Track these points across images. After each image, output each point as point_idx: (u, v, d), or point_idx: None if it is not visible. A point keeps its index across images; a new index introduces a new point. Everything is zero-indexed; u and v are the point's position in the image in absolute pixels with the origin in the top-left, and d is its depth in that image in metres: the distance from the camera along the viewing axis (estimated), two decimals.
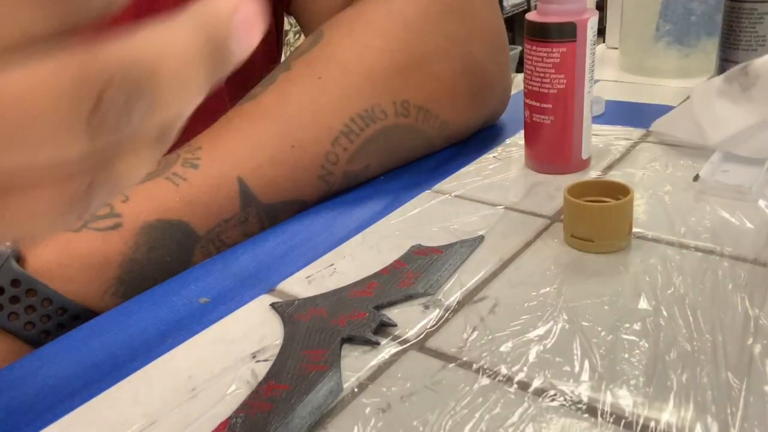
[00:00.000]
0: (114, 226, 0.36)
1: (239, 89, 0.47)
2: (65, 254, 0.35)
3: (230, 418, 0.26)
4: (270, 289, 0.36)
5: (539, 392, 0.26)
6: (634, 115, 0.58)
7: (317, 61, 0.45)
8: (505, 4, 3.04)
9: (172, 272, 0.38)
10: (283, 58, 0.64)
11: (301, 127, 0.42)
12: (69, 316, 0.35)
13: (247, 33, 0.18)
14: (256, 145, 0.41)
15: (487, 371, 0.28)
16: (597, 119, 0.56)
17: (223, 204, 0.39)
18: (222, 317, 0.33)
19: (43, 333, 0.34)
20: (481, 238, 0.38)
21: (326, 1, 0.51)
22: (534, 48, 0.44)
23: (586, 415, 0.25)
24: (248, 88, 0.45)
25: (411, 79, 0.46)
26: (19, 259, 0.34)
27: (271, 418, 0.26)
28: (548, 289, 0.33)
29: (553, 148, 0.46)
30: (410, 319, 0.32)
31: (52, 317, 0.34)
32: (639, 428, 0.24)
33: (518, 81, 0.57)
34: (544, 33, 0.43)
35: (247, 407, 0.27)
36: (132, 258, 0.36)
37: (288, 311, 0.33)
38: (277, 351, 0.30)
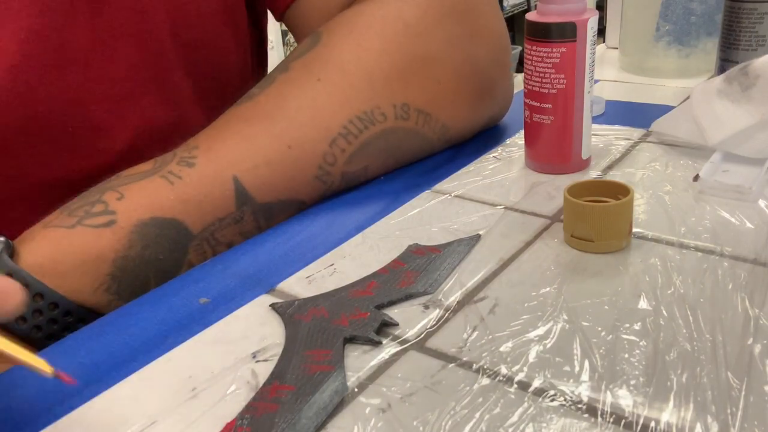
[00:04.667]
0: (108, 223, 0.36)
1: (213, 108, 0.46)
2: (59, 250, 0.35)
3: (236, 419, 0.26)
4: (270, 289, 0.36)
5: (539, 392, 0.26)
6: (634, 115, 0.58)
7: (316, 63, 0.45)
8: (505, 3, 3.04)
9: (166, 270, 0.38)
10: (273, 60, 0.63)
11: (298, 127, 0.42)
12: (61, 312, 0.35)
13: None
14: (252, 144, 0.41)
15: (487, 371, 0.28)
16: (597, 119, 0.56)
17: (217, 202, 0.39)
18: (222, 317, 0.33)
19: (34, 329, 0.34)
20: (478, 237, 0.38)
21: (321, 10, 0.50)
22: (534, 48, 0.44)
23: (586, 415, 0.25)
24: (222, 105, 0.45)
25: (411, 82, 0.46)
26: (13, 254, 0.34)
27: (277, 419, 0.26)
28: (548, 289, 0.33)
29: (553, 148, 0.46)
30: (410, 319, 0.32)
31: (44, 313, 0.34)
32: (639, 428, 0.24)
33: (518, 81, 0.57)
34: (544, 33, 0.43)
35: (253, 408, 0.27)
36: (125, 255, 0.36)
37: (288, 311, 0.33)
38: (277, 351, 0.30)
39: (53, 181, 0.45)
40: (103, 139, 0.45)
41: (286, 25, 0.54)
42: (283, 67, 0.46)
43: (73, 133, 0.44)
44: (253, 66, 0.57)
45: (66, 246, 0.35)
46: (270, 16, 0.57)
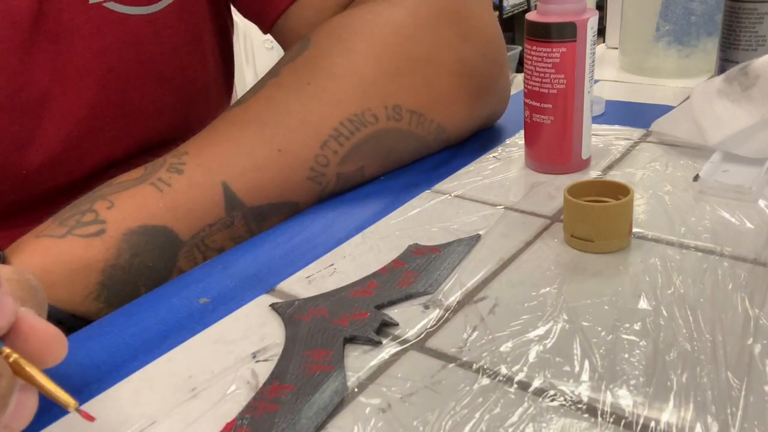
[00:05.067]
0: (98, 232, 0.36)
1: (183, 130, 0.46)
2: (49, 260, 0.35)
3: (236, 419, 0.26)
4: (270, 290, 0.36)
5: (539, 392, 0.26)
6: (634, 115, 0.58)
7: (305, 67, 0.45)
8: (505, 3, 3.04)
9: (156, 277, 0.38)
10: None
11: (288, 131, 0.42)
12: (52, 321, 0.35)
13: None
14: (242, 149, 0.41)
15: (487, 371, 0.28)
16: (597, 119, 0.56)
17: (207, 208, 0.39)
18: (222, 317, 0.33)
19: None
20: (478, 237, 0.38)
21: (311, 20, 0.49)
22: (534, 48, 0.44)
23: (586, 415, 0.25)
24: (192, 125, 0.45)
25: (402, 83, 0.46)
26: (4, 263, 0.34)
27: (277, 419, 0.26)
28: (548, 289, 0.33)
29: (553, 148, 0.46)
30: (410, 319, 0.32)
31: None
32: (639, 428, 0.24)
33: (518, 81, 0.57)
34: (544, 33, 0.43)
35: (253, 408, 0.27)
36: (115, 264, 0.36)
37: (288, 311, 0.33)
38: (277, 351, 0.30)
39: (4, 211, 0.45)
40: (58, 176, 0.45)
41: (274, 38, 0.53)
42: (273, 71, 0.46)
43: (26, 176, 0.44)
44: (222, 80, 0.57)
45: (56, 255, 0.35)
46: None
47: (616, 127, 0.54)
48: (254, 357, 0.30)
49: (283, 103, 0.43)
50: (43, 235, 0.36)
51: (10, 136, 0.42)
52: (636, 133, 0.53)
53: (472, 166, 0.49)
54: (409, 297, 0.33)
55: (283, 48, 0.54)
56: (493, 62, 0.52)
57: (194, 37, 0.49)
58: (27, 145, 0.43)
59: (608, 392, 0.26)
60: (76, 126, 0.44)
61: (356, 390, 0.27)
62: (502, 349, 0.29)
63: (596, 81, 0.69)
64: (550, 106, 0.44)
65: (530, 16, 0.44)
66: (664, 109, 0.53)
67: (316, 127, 0.43)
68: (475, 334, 0.30)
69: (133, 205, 0.38)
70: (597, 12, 0.43)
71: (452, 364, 0.28)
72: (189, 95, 0.51)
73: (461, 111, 0.50)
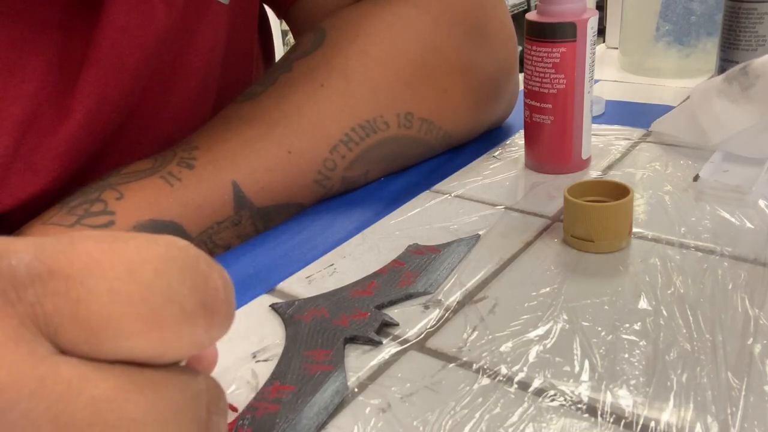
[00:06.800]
0: (107, 224, 0.36)
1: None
2: None
3: (237, 419, 0.26)
4: (270, 290, 0.36)
5: (539, 392, 0.26)
6: (634, 115, 0.58)
7: (319, 67, 0.44)
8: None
9: None
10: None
11: (299, 133, 0.42)
12: None
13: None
14: (252, 149, 0.41)
15: (487, 371, 0.28)
16: (597, 119, 0.56)
17: (216, 207, 0.39)
18: None
19: None
20: (478, 237, 0.38)
21: (327, 8, 0.49)
22: (534, 48, 0.44)
23: (586, 415, 0.25)
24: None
25: (417, 91, 0.46)
26: None
27: (278, 420, 0.26)
28: (548, 289, 0.33)
29: (553, 148, 0.46)
30: (410, 319, 0.32)
31: None
32: (639, 428, 0.24)
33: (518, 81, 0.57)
34: (544, 33, 0.43)
35: (254, 409, 0.27)
36: None
37: (288, 312, 0.33)
38: (277, 351, 0.30)
39: None
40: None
41: (287, 23, 0.53)
42: (286, 65, 0.45)
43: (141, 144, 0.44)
44: (261, 60, 0.57)
45: None
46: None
47: (616, 127, 0.54)
48: (254, 357, 0.30)
49: (295, 103, 0.43)
50: (51, 223, 0.36)
51: (144, 103, 0.42)
52: (636, 133, 0.53)
53: (472, 166, 0.49)
54: (409, 297, 0.33)
55: (294, 34, 0.53)
56: (506, 69, 0.51)
57: (254, 16, 0.50)
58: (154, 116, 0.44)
59: (608, 392, 0.26)
60: (186, 116, 0.45)
61: (356, 390, 0.27)
62: (502, 349, 0.29)
63: (596, 81, 0.69)
64: (550, 106, 0.44)
65: (530, 16, 0.44)
66: (664, 109, 0.53)
67: (327, 131, 0.43)
68: (475, 334, 0.30)
69: (143, 198, 0.37)
70: (597, 12, 0.43)
71: (452, 364, 0.28)
72: (243, 81, 0.51)
73: (469, 118, 0.50)
